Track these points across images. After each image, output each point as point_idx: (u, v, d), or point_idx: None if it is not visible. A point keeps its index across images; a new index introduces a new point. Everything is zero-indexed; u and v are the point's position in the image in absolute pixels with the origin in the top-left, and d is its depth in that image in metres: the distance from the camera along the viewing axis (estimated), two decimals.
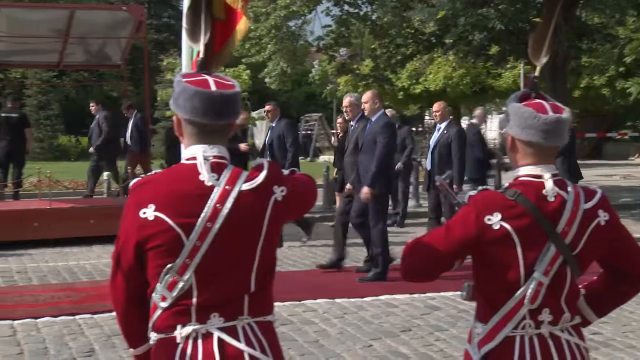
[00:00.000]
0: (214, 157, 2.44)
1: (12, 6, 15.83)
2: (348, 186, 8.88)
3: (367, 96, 8.80)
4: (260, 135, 14.31)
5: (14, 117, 14.44)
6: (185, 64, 4.55)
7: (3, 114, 14.60)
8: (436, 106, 10.13)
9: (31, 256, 10.32)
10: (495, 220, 2.48)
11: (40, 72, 33.03)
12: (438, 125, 10.09)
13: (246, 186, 2.41)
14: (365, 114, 8.82)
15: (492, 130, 39.41)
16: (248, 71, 16.00)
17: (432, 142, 10.04)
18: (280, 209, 2.44)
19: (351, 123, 9.25)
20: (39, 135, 31.89)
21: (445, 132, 9.86)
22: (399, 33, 17.31)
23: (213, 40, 2.99)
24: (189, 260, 2.36)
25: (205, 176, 2.40)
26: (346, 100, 9.27)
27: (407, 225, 13.32)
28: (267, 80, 21.72)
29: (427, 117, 35.26)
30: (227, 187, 2.39)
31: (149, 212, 2.37)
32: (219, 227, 2.36)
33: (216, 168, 2.42)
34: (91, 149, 14.81)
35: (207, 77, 2.47)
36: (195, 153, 2.44)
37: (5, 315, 6.99)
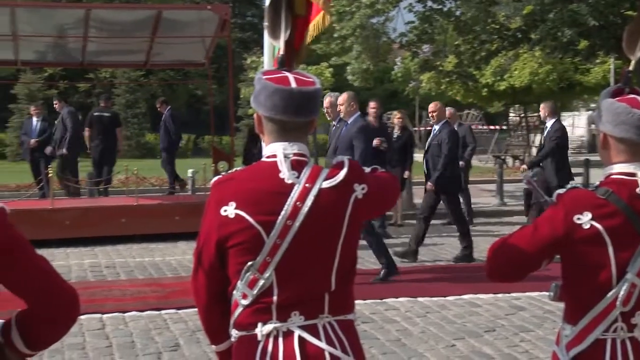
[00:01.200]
0: (294, 154, 2.43)
1: (102, 7, 16.29)
2: None
3: (342, 98, 8.76)
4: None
5: (106, 117, 14.88)
6: (267, 61, 4.58)
7: (96, 113, 15.06)
8: (432, 107, 10.01)
9: (119, 252, 10.58)
10: (585, 219, 2.41)
11: (128, 71, 33.85)
12: (434, 126, 9.98)
13: (326, 184, 2.39)
14: (341, 116, 8.76)
15: (579, 127, 38.48)
16: (330, 69, 16.02)
17: (427, 142, 9.95)
18: (360, 206, 2.42)
19: (332, 123, 9.21)
20: (126, 133, 32.66)
21: (438, 132, 9.76)
22: (484, 29, 17.02)
23: (294, 37, 2.99)
24: (270, 258, 2.36)
25: (285, 174, 2.40)
26: (326, 101, 9.20)
27: (491, 224, 13.10)
28: (349, 77, 21.72)
29: (511, 114, 34.61)
30: (307, 184, 2.38)
31: (230, 210, 2.38)
32: (299, 225, 2.35)
33: (296, 166, 2.42)
34: (53, 147, 14.71)
35: (287, 74, 2.47)
36: (276, 151, 2.43)
37: (95, 309, 7.19)
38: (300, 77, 2.46)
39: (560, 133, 10.43)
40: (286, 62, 2.58)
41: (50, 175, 12.08)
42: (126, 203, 12.05)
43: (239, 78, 33.70)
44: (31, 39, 12.52)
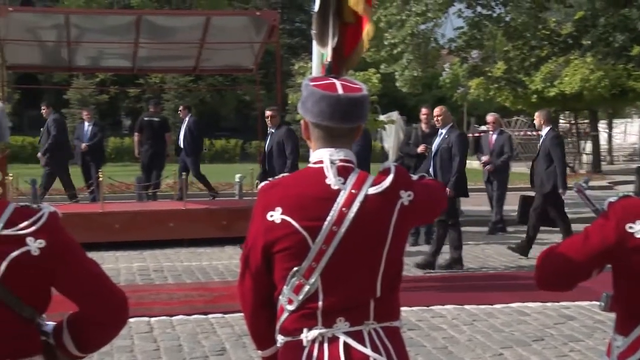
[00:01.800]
0: (341, 160, 2.44)
1: (153, 14, 16.52)
2: None
3: None
4: (389, 139, 14.22)
5: (156, 122, 15.07)
6: (315, 68, 4.59)
7: (146, 118, 15.27)
8: (437, 111, 9.92)
9: (167, 255, 10.70)
10: (637, 228, 2.37)
11: (177, 77, 34.23)
12: (440, 130, 9.86)
13: (372, 190, 2.40)
14: None
15: (632, 135, 37.77)
16: (378, 75, 15.94)
17: (434, 147, 9.83)
18: (406, 213, 2.42)
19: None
20: (175, 138, 32.99)
21: (446, 136, 9.66)
22: (534, 35, 16.86)
23: (343, 44, 3.00)
24: (315, 264, 2.37)
25: (331, 180, 2.40)
26: None
27: (539, 232, 12.94)
28: (398, 83, 21.67)
29: (562, 121, 34.15)
30: (353, 190, 2.39)
31: (276, 215, 2.40)
32: (344, 231, 2.35)
33: (342, 172, 2.42)
34: (39, 154, 14.69)
35: (334, 80, 2.48)
36: (322, 157, 2.44)
37: (143, 312, 7.28)
38: (348, 84, 2.47)
39: (558, 140, 10.47)
40: (334, 68, 2.60)
41: (100, 179, 12.27)
42: (174, 207, 12.19)
43: (287, 84, 33.83)
44: (84, 45, 12.76)
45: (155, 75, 34.00)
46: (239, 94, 41.82)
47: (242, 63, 14.12)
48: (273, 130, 10.54)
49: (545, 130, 10.50)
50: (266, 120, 10.68)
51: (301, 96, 2.51)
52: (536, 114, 10.84)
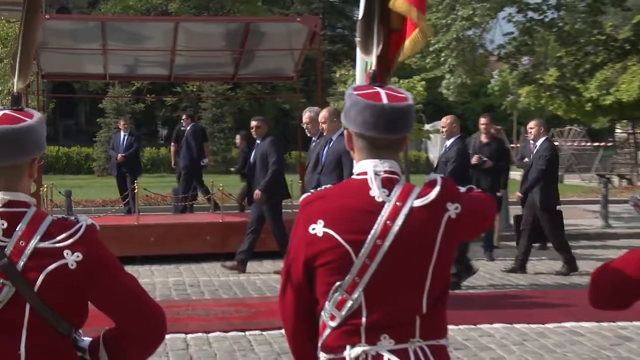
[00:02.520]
0: (385, 172, 2.45)
1: (190, 20, 16.72)
2: None
3: (324, 115, 8.92)
4: (434, 149, 14.17)
5: (193, 131, 15.23)
6: (359, 76, 4.60)
7: (182, 128, 15.44)
8: (443, 121, 9.81)
9: (203, 270, 10.78)
10: None
11: (215, 85, 34.48)
12: (445, 141, 9.76)
13: (418, 202, 2.41)
14: (324, 133, 8.96)
15: None
16: (423, 82, 15.90)
17: (437, 159, 9.79)
18: (454, 227, 2.42)
19: (313, 139, 9.36)
20: (213, 148, 33.02)
21: (448, 149, 9.61)
22: (589, 40, 16.67)
23: (387, 52, 3.01)
24: (358, 279, 2.38)
25: (375, 192, 2.42)
26: (305, 116, 9.42)
27: (594, 247, 12.78)
28: (444, 92, 21.59)
29: (618, 131, 33.69)
30: (398, 203, 2.40)
31: (318, 228, 2.42)
32: (389, 245, 2.37)
33: (387, 183, 2.44)
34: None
35: (379, 89, 2.50)
36: (366, 168, 2.46)
37: (179, 329, 7.33)
38: (392, 93, 2.48)
39: (550, 153, 10.31)
40: (378, 77, 2.61)
41: (136, 190, 12.41)
42: (211, 220, 12.28)
43: (328, 92, 33.91)
44: (120, 53, 12.94)
45: (193, 84, 34.30)
46: (279, 103, 42.05)
47: (282, 70, 14.21)
48: (259, 142, 10.59)
49: (540, 141, 10.40)
50: (251, 131, 10.79)
51: (344, 105, 2.53)
52: (532, 123, 10.66)
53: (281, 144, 10.97)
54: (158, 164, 33.28)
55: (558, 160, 10.74)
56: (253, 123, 10.68)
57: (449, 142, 9.70)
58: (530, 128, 10.57)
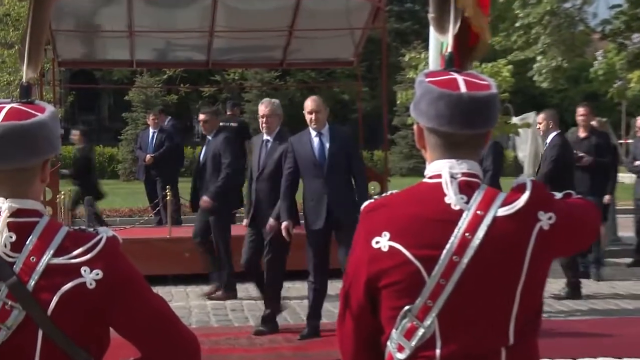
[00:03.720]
0: (463, 174, 2.45)
1: None
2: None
3: (267, 109, 8.98)
4: (524, 146, 13.98)
5: (233, 127, 15.31)
6: (433, 59, 4.60)
7: (221, 123, 15.53)
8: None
9: (247, 291, 10.81)
10: None
11: (261, 72, 34.65)
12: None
13: (503, 211, 2.40)
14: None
15: None
16: (510, 66, 15.70)
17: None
18: (547, 240, 2.40)
19: (266, 137, 9.12)
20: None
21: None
22: None
23: (467, 30, 2.99)
24: (431, 302, 2.38)
25: (451, 198, 2.42)
26: (263, 108, 9.09)
27: None
28: (535, 77, 21.39)
29: None
30: (478, 211, 2.39)
31: (383, 242, 2.42)
32: (468, 261, 2.36)
33: (465, 188, 2.43)
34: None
35: (456, 75, 2.49)
36: (440, 170, 2.46)
37: None
38: (472, 80, 2.48)
39: (558, 150, 10.14)
40: (455, 61, 2.60)
41: (168, 197, 12.54)
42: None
43: (395, 79, 33.90)
44: (149, 35, 13.07)
45: (234, 71, 34.56)
46: (336, 92, 42.12)
47: (339, 54, 14.21)
48: (209, 138, 10.49)
49: (551, 136, 10.30)
50: (201, 126, 10.72)
51: (414, 95, 2.53)
52: (541, 116, 10.55)
53: (234, 142, 10.90)
54: (194, 166, 33.66)
55: (570, 154, 10.55)
56: (201, 116, 10.62)
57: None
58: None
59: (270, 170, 8.85)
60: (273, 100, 9.46)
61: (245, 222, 9.32)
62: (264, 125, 8.99)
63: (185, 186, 15.24)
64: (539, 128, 10.55)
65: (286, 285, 10.93)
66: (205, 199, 10.13)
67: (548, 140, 10.39)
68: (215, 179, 10.18)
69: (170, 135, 15.74)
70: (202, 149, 10.88)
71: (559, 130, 10.45)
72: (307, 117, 8.54)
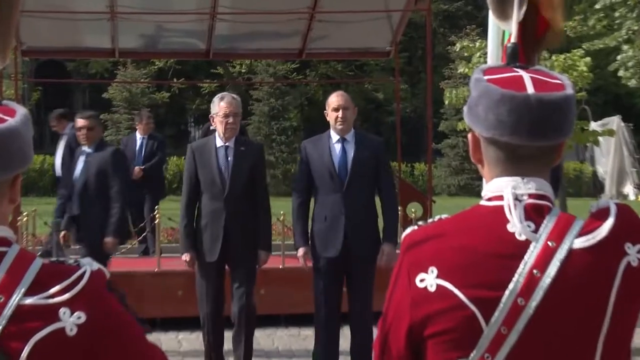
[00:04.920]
0: (530, 195, 2.45)
1: None
2: None
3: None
4: (605, 159, 13.84)
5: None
6: (492, 51, 4.59)
7: (213, 127, 15.54)
8: None
9: (255, 339, 10.80)
10: None
11: (275, 64, 34.62)
12: None
13: (580, 242, 2.40)
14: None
15: None
16: (587, 59, 15.67)
17: None
18: (636, 279, 2.40)
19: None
20: (269, 158, 32.65)
21: None
22: None
23: (535, 15, 2.99)
24: (490, 356, 2.37)
25: (516, 225, 2.42)
26: (219, 106, 9.08)
27: None
28: (621, 73, 21.32)
29: None
30: (550, 243, 2.39)
31: (430, 280, 2.43)
32: (536, 305, 2.36)
33: (533, 213, 2.43)
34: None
35: (521, 72, 2.50)
36: (502, 190, 2.47)
37: None
38: (542, 78, 2.48)
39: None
40: (520, 53, 2.61)
41: (157, 221, 12.53)
42: (266, 265, 12.27)
43: (442, 74, 33.79)
44: (135, 18, 13.12)
45: (241, 63, 34.61)
46: (367, 90, 42.09)
47: (373, 43, 14.25)
48: (89, 151, 10.18)
49: None
50: (78, 134, 10.27)
51: (469, 96, 2.54)
52: None
53: (125, 158, 10.83)
54: None
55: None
56: (81, 122, 10.23)
57: None
58: None
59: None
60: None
61: (186, 257, 9.00)
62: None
63: (170, 206, 15.30)
64: None
65: (288, 333, 10.96)
66: (109, 241, 9.91)
67: None
68: (100, 204, 9.93)
69: (163, 143, 15.79)
70: (75, 162, 10.37)
71: None
72: (332, 115, 8.60)
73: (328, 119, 8.66)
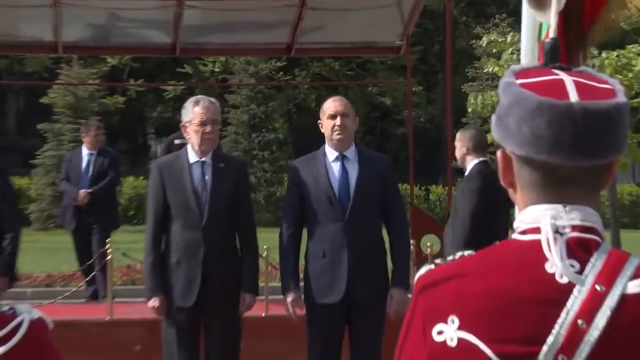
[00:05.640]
0: (574, 227, 2.45)
1: None
2: None
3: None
4: None
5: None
6: (526, 48, 4.61)
7: (177, 141, 15.50)
8: None
9: None
10: None
11: (255, 63, 34.65)
12: None
13: (635, 286, 2.40)
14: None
15: None
16: None
17: None
18: None
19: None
20: (250, 179, 32.67)
21: None
22: None
23: (580, 5, 3.01)
24: None
25: (556, 265, 2.41)
26: (193, 110, 8.89)
27: None
28: None
29: None
30: (598, 286, 2.40)
31: (450, 332, 2.43)
32: None
33: (577, 250, 2.44)
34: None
35: (562, 75, 2.50)
36: (539, 220, 2.47)
37: None
38: (588, 82, 2.49)
39: (477, 183, 10.35)
40: (562, 52, 2.62)
41: (109, 257, 12.52)
42: (248, 312, 12.28)
43: (465, 74, 33.84)
44: (83, 4, 13.15)
45: (214, 60, 34.66)
46: (372, 94, 42.13)
47: (379, 36, 14.30)
48: None
49: (470, 165, 10.56)
50: None
51: (498, 103, 2.55)
52: (457, 135, 10.82)
53: (8, 183, 10.84)
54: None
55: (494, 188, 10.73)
56: None
57: None
58: None
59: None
60: None
61: (154, 302, 8.95)
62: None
63: (125, 239, 15.33)
64: None
65: None
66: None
67: (468, 168, 10.71)
68: None
69: (116, 161, 15.79)
70: None
71: (480, 158, 10.61)
72: (327, 124, 8.49)
73: (323, 130, 8.56)
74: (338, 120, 8.38)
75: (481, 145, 10.84)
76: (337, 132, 8.40)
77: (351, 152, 8.51)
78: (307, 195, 8.44)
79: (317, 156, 8.61)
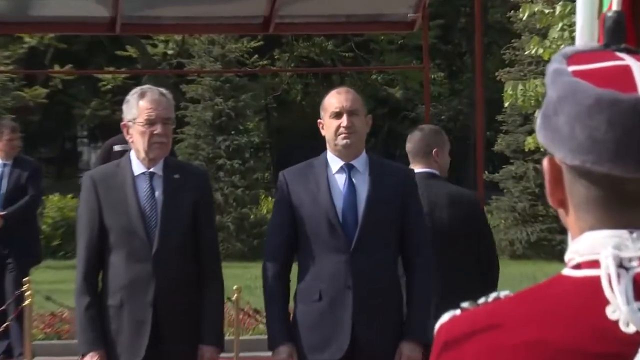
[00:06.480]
0: None
1: None
2: None
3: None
4: None
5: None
6: (582, 23, 4.66)
7: (117, 147, 15.53)
8: None
9: None
10: None
11: (222, 43, 34.67)
12: None
13: None
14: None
15: None
16: None
17: None
18: None
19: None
20: (215, 196, 32.88)
21: None
22: None
23: None
24: None
25: (620, 309, 2.42)
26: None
27: None
28: None
29: None
30: None
31: None
32: None
33: None
34: None
35: (629, 61, 2.52)
36: (597, 251, 2.48)
37: None
38: None
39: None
40: (629, 29, 2.66)
41: (28, 302, 12.57)
42: None
43: (501, 57, 33.91)
44: None
45: (167, 40, 34.75)
46: (377, 84, 42.17)
47: (386, 7, 14.37)
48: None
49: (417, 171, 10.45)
50: None
51: (545, 95, 2.57)
52: (408, 139, 10.77)
53: None
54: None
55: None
56: None
57: None
58: None
59: None
60: None
61: (92, 357, 8.70)
62: None
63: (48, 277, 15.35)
64: None
65: None
66: None
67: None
68: None
69: (36, 174, 15.83)
70: None
71: (427, 168, 10.71)
72: (330, 125, 8.28)
73: (324, 132, 8.35)
74: (344, 120, 8.16)
75: (427, 153, 10.66)
76: (342, 136, 8.17)
77: (360, 162, 8.29)
78: (301, 218, 8.19)
79: (315, 166, 8.36)
